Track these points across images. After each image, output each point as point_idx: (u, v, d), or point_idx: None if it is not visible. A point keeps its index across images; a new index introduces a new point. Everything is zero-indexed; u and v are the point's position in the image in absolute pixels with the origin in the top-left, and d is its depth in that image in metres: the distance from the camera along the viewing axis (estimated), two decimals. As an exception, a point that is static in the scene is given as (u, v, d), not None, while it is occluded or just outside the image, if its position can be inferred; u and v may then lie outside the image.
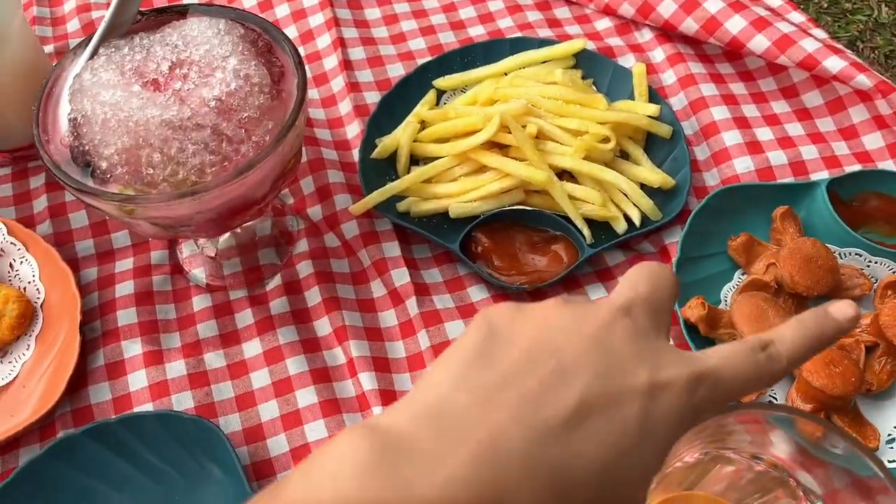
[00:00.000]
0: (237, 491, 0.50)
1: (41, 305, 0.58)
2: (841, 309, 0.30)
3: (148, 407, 0.54)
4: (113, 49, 0.48)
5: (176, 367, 0.56)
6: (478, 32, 0.72)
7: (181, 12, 0.51)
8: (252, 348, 0.57)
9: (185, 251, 0.62)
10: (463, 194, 0.60)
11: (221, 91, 0.46)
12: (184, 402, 0.54)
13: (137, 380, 0.55)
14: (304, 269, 0.60)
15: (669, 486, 0.39)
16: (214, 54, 0.47)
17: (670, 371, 0.27)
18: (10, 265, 0.60)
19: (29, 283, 0.59)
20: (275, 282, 0.60)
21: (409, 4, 0.74)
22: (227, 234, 0.61)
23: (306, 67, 0.50)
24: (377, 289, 0.59)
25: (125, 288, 0.59)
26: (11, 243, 0.60)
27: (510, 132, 0.59)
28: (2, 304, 0.56)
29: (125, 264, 0.61)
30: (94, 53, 0.49)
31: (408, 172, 0.62)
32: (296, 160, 0.50)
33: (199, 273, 0.61)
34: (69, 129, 0.47)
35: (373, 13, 0.74)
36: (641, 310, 0.29)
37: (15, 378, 0.56)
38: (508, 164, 0.58)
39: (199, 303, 0.59)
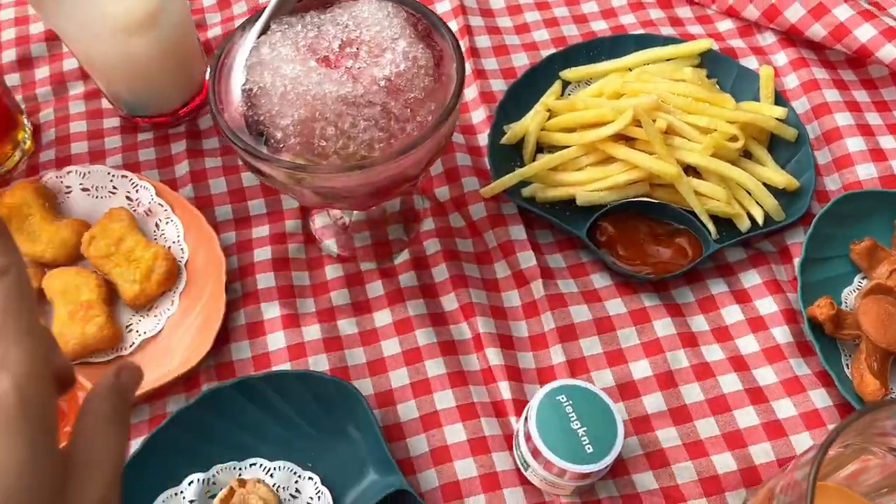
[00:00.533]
0: (374, 451, 0.53)
1: (185, 264, 0.62)
2: None
3: (286, 366, 0.57)
4: (286, 26, 0.51)
5: (312, 331, 0.59)
6: (600, 27, 0.74)
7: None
8: (382, 318, 0.60)
9: (318, 222, 0.65)
10: (589, 183, 0.62)
11: (391, 71, 0.48)
12: (319, 364, 0.57)
13: (276, 340, 0.58)
14: (431, 246, 0.62)
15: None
16: (384, 36, 0.49)
17: None
18: (157, 225, 0.63)
19: (174, 242, 0.62)
20: (402, 256, 0.63)
21: (533, -4, 0.76)
22: (359, 209, 0.64)
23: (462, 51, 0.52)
24: (501, 270, 0.62)
25: (263, 253, 0.62)
26: (159, 204, 0.63)
27: (639, 126, 0.61)
28: (152, 260, 0.60)
29: (262, 231, 0.64)
30: (266, 29, 0.52)
31: (533, 159, 0.64)
32: (447, 141, 0.52)
33: (330, 244, 0.64)
34: (243, 99, 0.50)
35: (497, 2, 0.76)
36: None
37: (160, 331, 0.59)
38: (637, 157, 0.60)
39: (332, 272, 0.62)
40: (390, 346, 0.58)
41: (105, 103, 0.71)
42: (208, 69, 0.51)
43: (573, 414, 0.50)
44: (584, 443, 0.49)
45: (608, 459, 0.48)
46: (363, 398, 0.54)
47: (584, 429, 0.49)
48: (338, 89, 0.47)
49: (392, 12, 0.51)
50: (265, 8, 0.52)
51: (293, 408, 0.55)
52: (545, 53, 0.72)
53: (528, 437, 0.50)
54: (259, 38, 0.51)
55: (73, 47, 0.62)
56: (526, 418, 0.51)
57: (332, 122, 0.47)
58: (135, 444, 0.54)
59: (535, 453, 0.49)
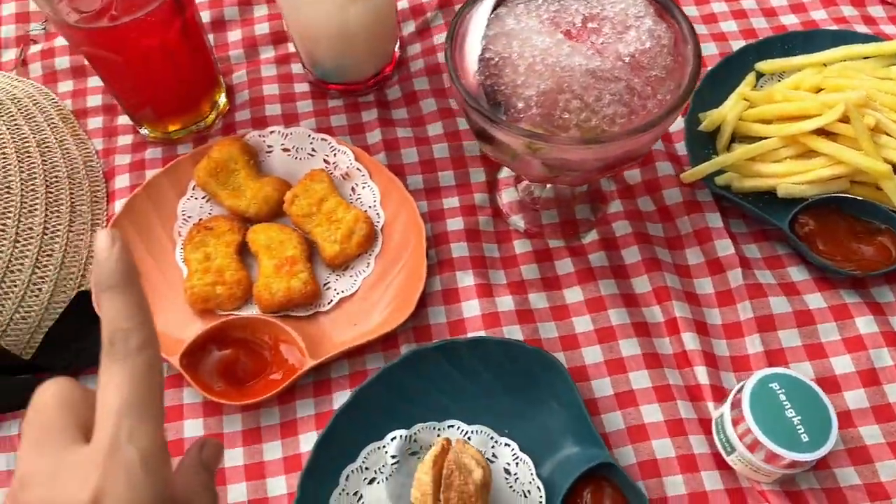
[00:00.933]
0: (575, 423, 0.53)
1: (381, 228, 0.63)
2: None
3: (481, 334, 0.58)
4: (526, -1, 0.52)
5: (505, 302, 0.60)
6: (790, 21, 0.73)
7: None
8: (573, 295, 0.60)
9: (505, 198, 0.66)
10: (789, 176, 0.61)
11: (636, 48, 0.49)
12: (513, 334, 0.58)
13: (471, 308, 0.59)
14: (620, 228, 0.63)
15: None
16: (629, 13, 0.50)
17: None
18: (353, 189, 0.65)
19: (369, 207, 0.64)
20: (590, 236, 0.63)
21: (720, -13, 0.76)
22: (548, 186, 0.64)
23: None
24: (693, 256, 0.62)
25: (455, 223, 0.63)
26: (357, 169, 0.65)
27: (844, 121, 0.60)
28: (353, 222, 0.62)
29: (452, 202, 0.65)
30: (501, 3, 0.53)
31: (727, 148, 0.64)
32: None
33: (517, 219, 0.64)
34: (481, 68, 0.51)
35: (683, -8, 0.76)
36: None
37: (356, 291, 0.61)
38: (846, 153, 0.59)
39: (520, 246, 0.63)
40: (582, 323, 0.59)
41: (295, 68, 0.73)
42: (447, 35, 0.52)
43: (787, 402, 0.50)
44: (800, 431, 0.49)
45: (824, 449, 0.48)
46: (566, 371, 0.54)
47: (799, 417, 0.49)
48: (587, 63, 0.48)
49: (633, -9, 0.51)
50: (500, -21, 0.53)
51: (492, 374, 0.56)
52: (734, 44, 0.71)
53: (736, 422, 0.51)
54: (496, 9, 0.52)
55: (289, 12, 0.64)
56: (733, 403, 0.51)
57: (577, 94, 0.48)
58: (343, 398, 0.56)
59: (748, 438, 0.49)
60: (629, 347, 0.57)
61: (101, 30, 0.57)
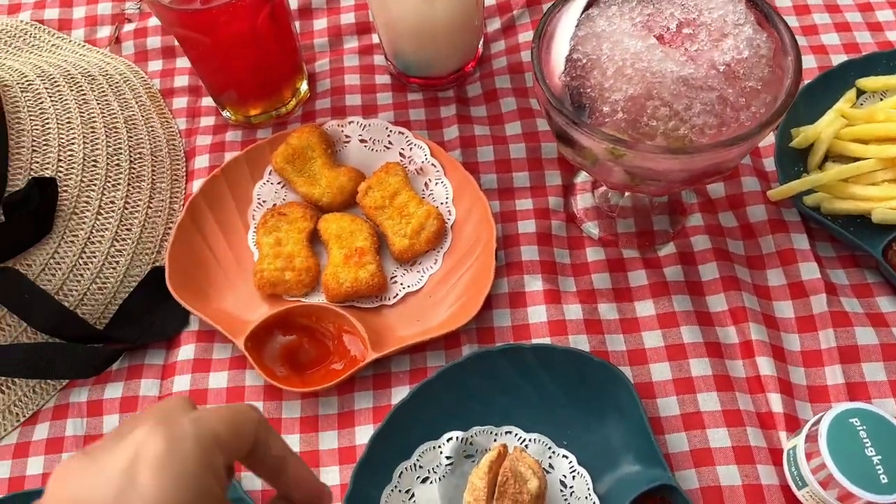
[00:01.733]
0: (637, 441, 0.52)
1: (451, 226, 0.63)
2: None
3: (546, 341, 0.57)
4: (619, 1, 0.50)
5: (573, 310, 0.58)
6: (897, 37, 0.69)
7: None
8: (645, 308, 0.58)
9: (580, 203, 0.64)
10: (885, 200, 0.58)
11: (732, 58, 0.46)
12: (579, 344, 0.57)
13: (537, 313, 0.58)
14: (699, 242, 0.61)
15: None
16: (727, 20, 0.48)
17: None
18: (426, 184, 0.64)
19: (441, 203, 0.63)
20: (667, 249, 0.61)
21: (823, -2, 0.72)
22: (626, 194, 0.63)
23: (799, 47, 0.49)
24: (775, 277, 0.59)
25: (527, 226, 0.62)
26: (432, 164, 0.64)
27: (952, 146, 0.56)
28: (424, 218, 0.61)
29: (525, 204, 0.64)
30: (593, 2, 0.51)
31: (819, 167, 0.61)
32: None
33: (591, 226, 0.63)
34: (567, 69, 0.49)
35: (783, 0, 0.72)
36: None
37: (422, 287, 0.61)
38: (950, 180, 0.55)
39: (592, 254, 0.61)
40: (652, 338, 0.57)
41: (377, 60, 0.73)
42: (535, 34, 0.51)
43: (867, 439, 0.47)
44: (879, 471, 0.46)
45: (905, 494, 0.45)
46: (632, 386, 0.53)
47: (879, 457, 0.46)
48: (679, 70, 0.46)
49: (734, -2, 0.49)
50: (591, -21, 0.52)
51: (555, 382, 0.55)
52: (834, 58, 0.68)
53: (810, 455, 0.48)
54: (588, 9, 0.51)
55: (375, 4, 0.64)
56: (808, 436, 0.49)
57: (667, 102, 0.46)
58: (402, 393, 0.56)
59: (822, 474, 0.47)
60: (700, 367, 0.55)
61: (192, 12, 0.58)
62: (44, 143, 0.62)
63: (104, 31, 0.78)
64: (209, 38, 0.61)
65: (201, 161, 0.68)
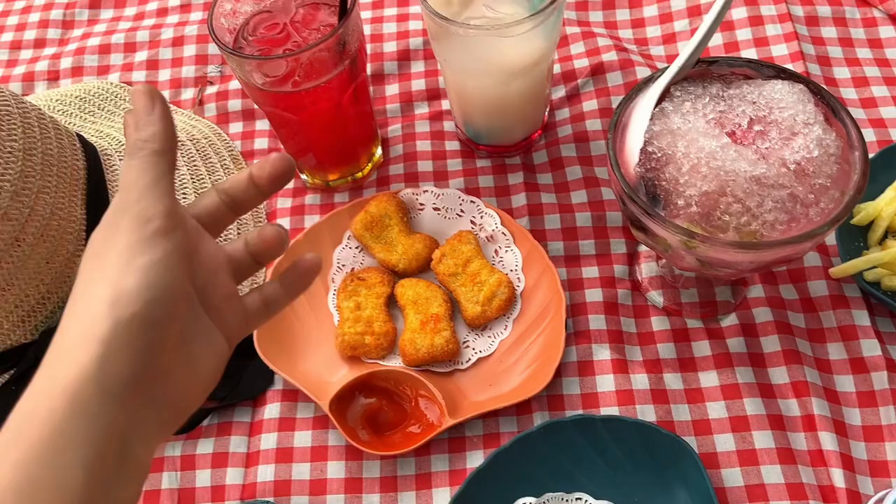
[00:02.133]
0: (705, 512, 0.54)
1: (521, 293, 0.66)
2: None
3: (614, 410, 0.60)
4: (691, 95, 0.53)
5: (640, 380, 0.61)
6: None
7: (738, 66, 0.56)
8: (709, 379, 0.61)
9: (645, 271, 0.67)
10: (946, 280, 0.60)
11: (802, 156, 0.49)
12: (646, 413, 0.59)
13: (606, 382, 0.61)
14: (761, 314, 0.63)
15: None
16: (797, 119, 0.50)
17: None
18: (496, 251, 0.68)
19: (511, 270, 0.67)
20: (730, 319, 0.63)
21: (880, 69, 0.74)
22: (689, 265, 0.65)
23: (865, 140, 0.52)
24: (836, 351, 0.61)
25: (594, 294, 0.65)
26: (502, 233, 0.68)
27: None
28: (496, 286, 0.64)
29: (591, 272, 0.67)
30: (665, 94, 0.54)
31: (880, 243, 0.63)
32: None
33: (656, 295, 0.66)
34: (642, 161, 0.52)
35: (841, 72, 0.75)
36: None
37: (493, 353, 0.64)
38: None
39: (657, 323, 0.64)
40: (716, 409, 0.59)
41: (447, 126, 0.77)
42: (609, 125, 0.54)
43: (930, 521, 0.49)
44: (942, 554, 0.48)
45: (968, 579, 0.47)
46: (699, 460, 0.55)
47: (942, 539, 0.48)
48: (752, 169, 0.49)
49: (803, 97, 0.51)
50: (664, 71, 0.55)
51: (623, 452, 0.57)
52: (893, 132, 0.70)
53: (874, 535, 0.50)
54: (660, 103, 0.54)
55: (453, 79, 0.68)
56: (872, 514, 0.51)
57: (739, 198, 0.49)
58: (476, 456, 0.59)
59: (886, 554, 0.49)
60: (763, 439, 0.57)
61: (283, 93, 0.62)
62: (141, 209, 0.67)
63: (188, 94, 0.83)
64: (296, 116, 0.65)
65: (282, 224, 0.72)
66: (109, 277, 0.33)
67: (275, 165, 0.41)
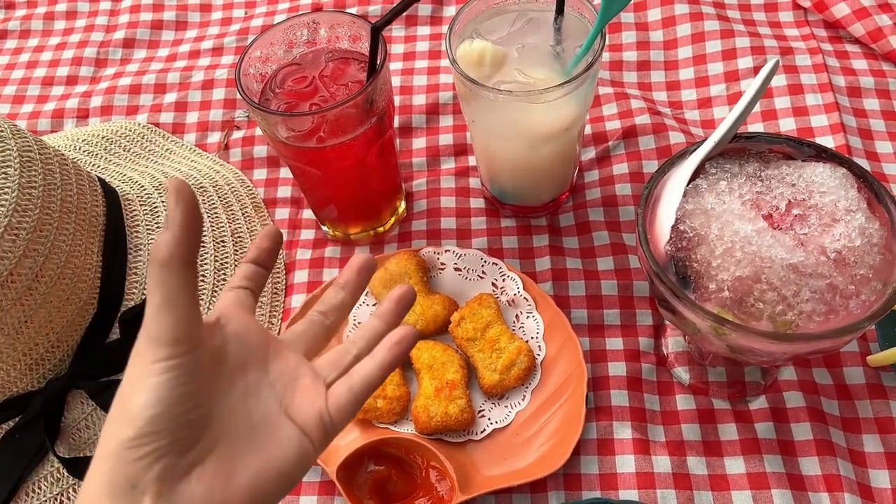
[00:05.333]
0: None
1: (541, 362, 0.63)
2: None
3: (632, 494, 0.57)
4: (728, 174, 0.51)
5: (662, 462, 0.58)
6: None
7: (777, 143, 0.53)
8: (735, 465, 0.58)
9: (671, 346, 0.64)
10: None
11: (843, 245, 0.47)
12: (667, 499, 0.57)
13: (625, 463, 0.58)
14: (792, 399, 0.60)
15: None
16: (838, 206, 0.48)
17: None
18: (517, 317, 0.66)
19: (532, 338, 0.64)
20: (759, 402, 0.61)
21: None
22: (718, 342, 0.63)
23: (906, 229, 0.49)
24: (871, 443, 0.58)
25: (617, 368, 0.63)
26: (524, 298, 0.66)
27: None
28: (515, 354, 0.62)
29: (615, 343, 0.64)
30: (699, 170, 0.52)
31: (920, 330, 0.60)
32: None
33: (682, 371, 0.63)
34: (673, 239, 0.50)
35: (878, 124, 0.72)
36: None
37: (509, 424, 0.61)
38: None
39: (682, 402, 0.61)
40: (742, 499, 0.56)
41: (472, 182, 0.76)
42: (640, 199, 0.52)
43: None
44: None
45: None
46: (723, 555, 0.52)
47: None
48: (789, 256, 0.46)
49: (845, 181, 0.49)
50: (700, 144, 0.53)
51: (642, 542, 0.54)
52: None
53: None
54: (694, 178, 0.52)
55: (480, 139, 0.66)
56: None
57: (774, 286, 0.46)
58: (487, 538, 0.56)
59: None
60: (792, 536, 0.54)
61: (308, 149, 0.61)
62: (158, 257, 0.66)
63: (214, 137, 0.83)
64: (320, 171, 0.64)
65: (300, 276, 0.71)
66: (122, 395, 0.35)
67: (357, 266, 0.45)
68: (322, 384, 0.40)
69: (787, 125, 0.74)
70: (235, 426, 0.37)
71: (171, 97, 0.86)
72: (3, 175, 0.55)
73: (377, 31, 0.57)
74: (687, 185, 0.52)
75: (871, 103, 0.75)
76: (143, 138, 0.82)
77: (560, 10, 0.60)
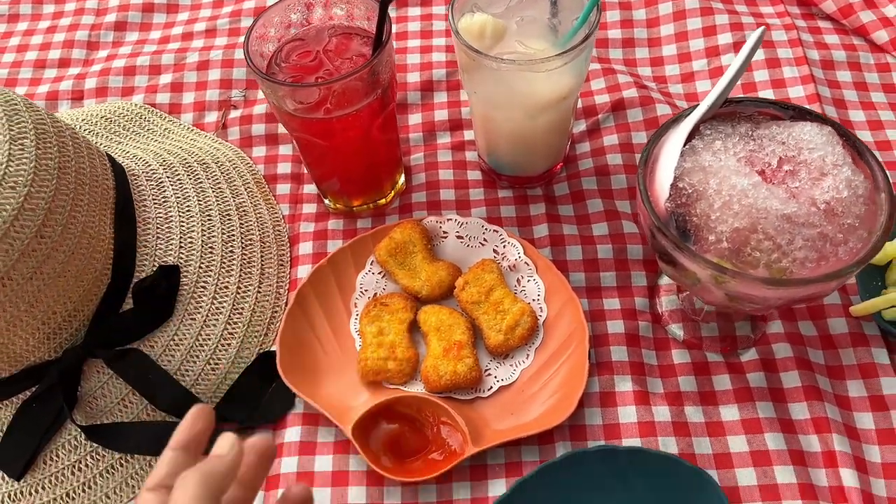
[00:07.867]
0: (728, 546, 0.54)
1: (542, 323, 0.66)
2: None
3: (636, 441, 0.60)
4: (722, 134, 0.55)
5: (661, 412, 0.61)
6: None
7: (764, 106, 0.57)
8: (730, 413, 0.61)
9: (665, 305, 0.68)
10: (964, 320, 0.61)
11: (832, 196, 0.50)
12: (668, 446, 0.60)
13: (628, 414, 0.61)
14: (780, 350, 0.64)
15: None
16: (826, 161, 0.52)
17: None
18: (519, 280, 0.68)
19: (533, 300, 0.67)
20: (749, 354, 0.64)
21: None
22: (710, 300, 0.66)
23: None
24: (855, 389, 0.62)
25: (616, 326, 0.66)
26: (525, 263, 0.68)
27: None
28: (518, 315, 0.65)
29: (612, 303, 0.67)
30: (694, 132, 0.55)
31: (897, 283, 0.64)
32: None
33: (676, 328, 0.66)
34: (672, 196, 0.53)
35: (857, 115, 0.76)
36: None
37: (515, 381, 0.64)
38: None
39: (678, 356, 0.65)
40: (738, 443, 0.60)
41: (468, 155, 0.78)
42: (640, 159, 0.55)
43: (955, 562, 0.49)
44: None
45: None
46: (723, 494, 0.55)
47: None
48: (783, 207, 0.50)
49: (831, 139, 0.53)
50: (694, 108, 0.56)
51: (646, 484, 0.57)
52: (908, 174, 0.71)
53: (898, 573, 0.50)
54: (690, 140, 0.55)
55: (480, 110, 0.69)
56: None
57: (770, 236, 0.50)
58: (497, 485, 0.59)
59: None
60: (784, 475, 0.58)
61: (314, 120, 0.63)
62: (167, 230, 0.68)
63: (211, 117, 0.84)
64: (326, 143, 0.66)
65: (305, 248, 0.73)
66: None
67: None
68: None
69: (767, 96, 0.78)
70: None
71: (166, 78, 0.87)
72: (20, 146, 0.56)
73: (385, 5, 0.59)
74: (684, 147, 0.55)
75: (844, 75, 0.80)
76: (141, 118, 0.82)
77: (556, -17, 0.63)
